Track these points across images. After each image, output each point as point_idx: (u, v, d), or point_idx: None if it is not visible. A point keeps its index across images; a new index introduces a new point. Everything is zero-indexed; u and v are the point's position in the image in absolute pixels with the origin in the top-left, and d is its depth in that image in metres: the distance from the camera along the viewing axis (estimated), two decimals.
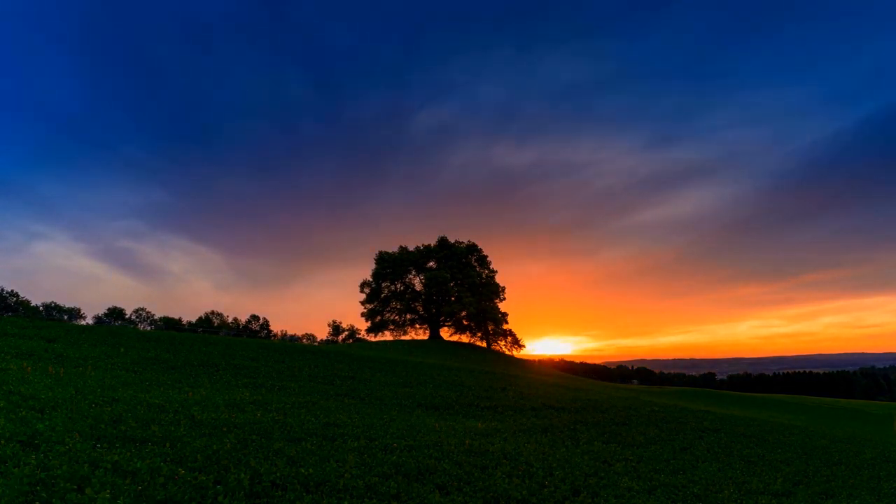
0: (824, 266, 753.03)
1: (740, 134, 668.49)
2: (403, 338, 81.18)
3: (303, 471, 7.20)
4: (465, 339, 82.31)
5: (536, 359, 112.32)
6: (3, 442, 6.34)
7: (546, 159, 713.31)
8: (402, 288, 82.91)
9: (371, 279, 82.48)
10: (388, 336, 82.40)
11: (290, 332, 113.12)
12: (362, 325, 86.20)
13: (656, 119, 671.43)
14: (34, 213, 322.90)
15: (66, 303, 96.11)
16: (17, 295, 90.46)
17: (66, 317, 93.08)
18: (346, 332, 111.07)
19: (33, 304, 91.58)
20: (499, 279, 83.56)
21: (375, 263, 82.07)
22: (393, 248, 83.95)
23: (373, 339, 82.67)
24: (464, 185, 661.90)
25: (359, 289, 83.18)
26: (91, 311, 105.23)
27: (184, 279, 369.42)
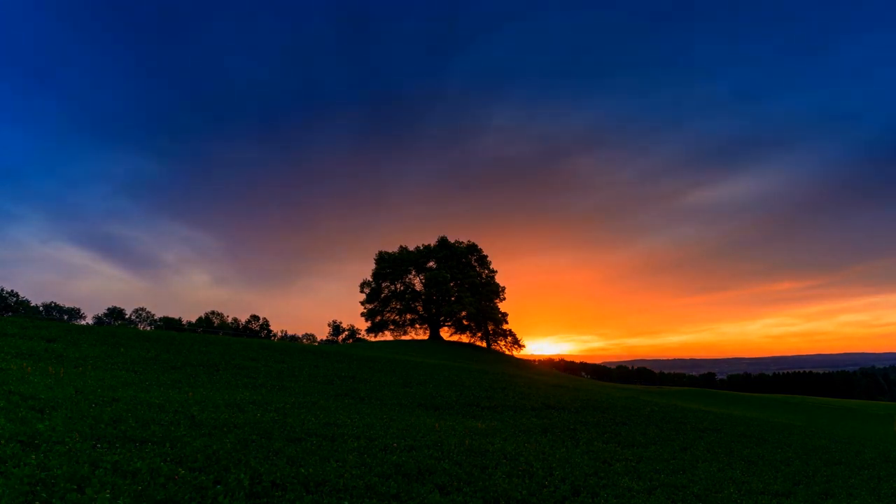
0: (856, 261, 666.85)
1: (841, 89, 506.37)
2: (403, 338, 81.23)
3: (303, 471, 7.20)
4: (465, 339, 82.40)
5: (536, 359, 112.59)
6: (3, 442, 6.34)
7: (606, 119, 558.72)
8: (402, 288, 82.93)
9: (371, 279, 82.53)
10: (388, 336, 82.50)
11: (290, 332, 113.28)
12: (362, 324, 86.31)
13: (753, 62, 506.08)
14: (2, 186, 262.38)
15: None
16: (17, 295, 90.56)
17: (65, 317, 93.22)
18: (346, 332, 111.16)
19: (33, 304, 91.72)
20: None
21: (375, 263, 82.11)
22: (399, 244, 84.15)
23: (373, 339, 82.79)
24: (502, 156, 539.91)
25: (359, 289, 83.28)
26: (76, 304, 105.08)
27: (179, 271, 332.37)
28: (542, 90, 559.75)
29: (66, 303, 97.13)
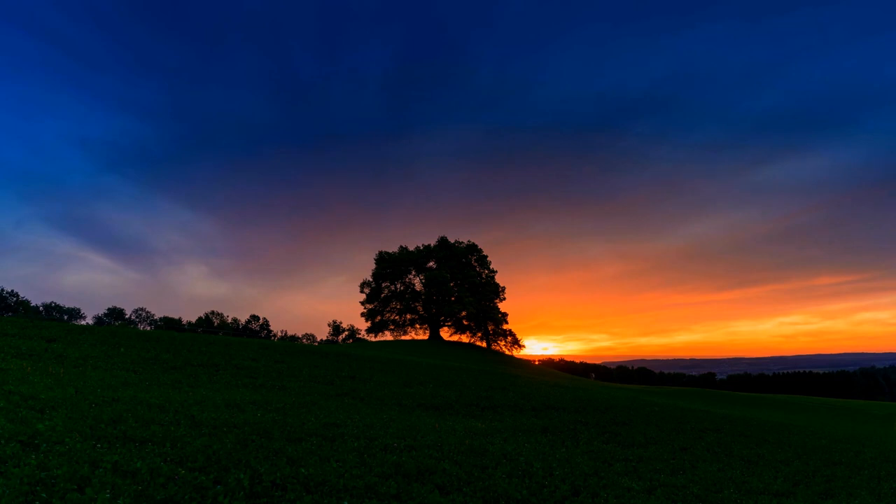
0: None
1: None
2: (403, 338, 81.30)
3: (303, 471, 7.20)
4: (465, 339, 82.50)
5: (536, 359, 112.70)
6: (3, 442, 6.34)
7: (689, 65, 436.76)
8: (402, 288, 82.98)
9: (371, 279, 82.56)
10: (388, 336, 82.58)
11: (290, 332, 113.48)
12: (362, 324, 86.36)
13: None
14: None
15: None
16: (17, 295, 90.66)
17: (66, 317, 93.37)
18: (346, 332, 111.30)
19: (33, 304, 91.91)
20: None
21: (375, 263, 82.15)
22: (407, 239, 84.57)
23: (373, 339, 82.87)
24: (548, 123, 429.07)
25: (359, 289, 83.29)
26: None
27: (174, 262, 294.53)
28: (608, 38, 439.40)
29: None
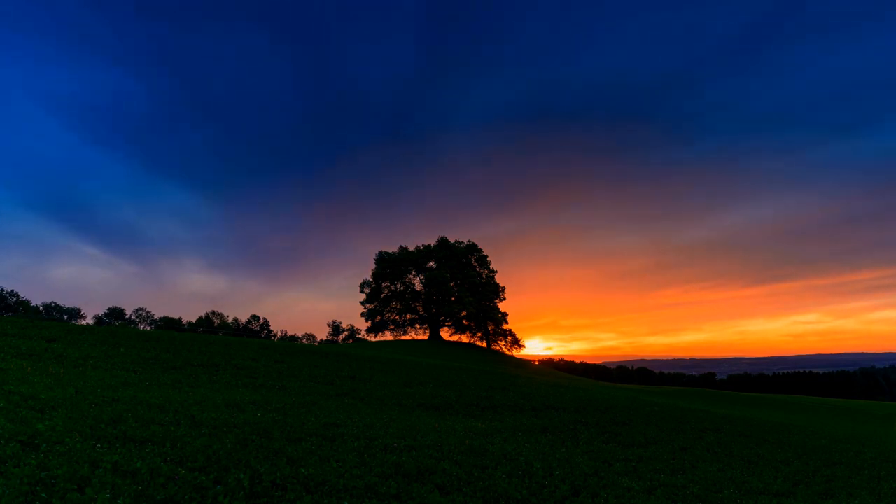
0: None
1: None
2: (403, 338, 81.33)
3: (303, 471, 7.20)
4: (465, 339, 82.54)
5: (536, 359, 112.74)
6: (3, 442, 6.34)
7: (735, 41, 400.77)
8: (402, 288, 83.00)
9: (371, 279, 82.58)
10: (388, 336, 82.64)
11: (290, 332, 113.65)
12: (362, 324, 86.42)
13: None
14: None
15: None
16: (17, 295, 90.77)
17: (65, 317, 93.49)
18: (346, 332, 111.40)
19: (33, 304, 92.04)
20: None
21: (375, 264, 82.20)
22: (403, 241, 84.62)
23: (373, 339, 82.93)
24: (601, 83, 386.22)
25: (359, 289, 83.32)
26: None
27: (169, 254, 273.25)
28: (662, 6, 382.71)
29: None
